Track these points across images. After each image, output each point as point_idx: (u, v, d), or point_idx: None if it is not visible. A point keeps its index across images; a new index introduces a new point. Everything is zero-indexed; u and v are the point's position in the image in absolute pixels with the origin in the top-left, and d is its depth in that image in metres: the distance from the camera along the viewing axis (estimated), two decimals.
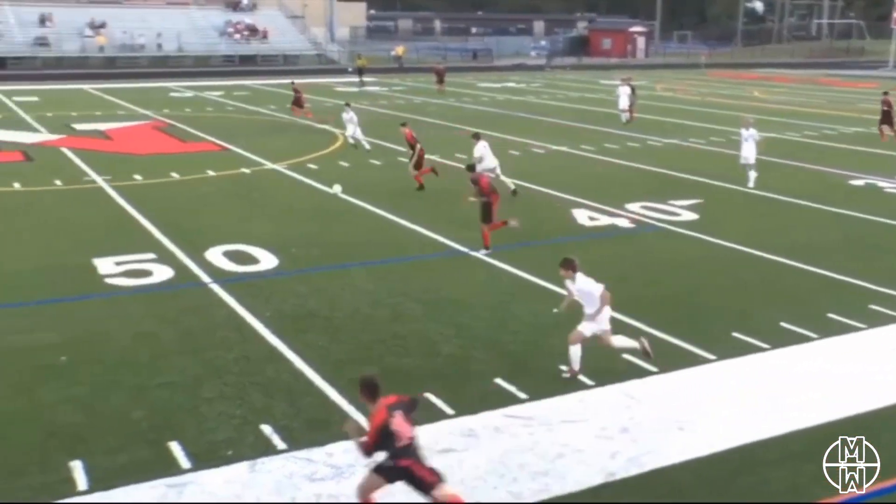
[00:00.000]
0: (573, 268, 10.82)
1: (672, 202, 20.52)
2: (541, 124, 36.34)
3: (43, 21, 68.00)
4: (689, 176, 24.18)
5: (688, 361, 11.23)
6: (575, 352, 10.63)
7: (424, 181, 22.08)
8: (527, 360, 11.30)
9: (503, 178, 21.18)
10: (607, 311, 10.71)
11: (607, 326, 10.73)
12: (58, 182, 22.85)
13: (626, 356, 11.19)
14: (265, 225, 18.25)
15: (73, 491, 8.12)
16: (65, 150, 28.46)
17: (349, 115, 27.99)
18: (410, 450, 7.31)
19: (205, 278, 14.61)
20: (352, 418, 7.45)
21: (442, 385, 10.40)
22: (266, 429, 9.30)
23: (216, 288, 14.10)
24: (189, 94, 49.86)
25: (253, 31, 74.43)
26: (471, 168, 16.94)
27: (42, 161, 26.41)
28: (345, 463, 8.56)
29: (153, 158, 27.01)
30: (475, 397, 10.09)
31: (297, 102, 37.92)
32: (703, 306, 13.52)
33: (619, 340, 10.85)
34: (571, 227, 18.45)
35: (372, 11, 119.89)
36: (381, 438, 7.18)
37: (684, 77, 67.50)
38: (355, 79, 57.81)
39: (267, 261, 15.64)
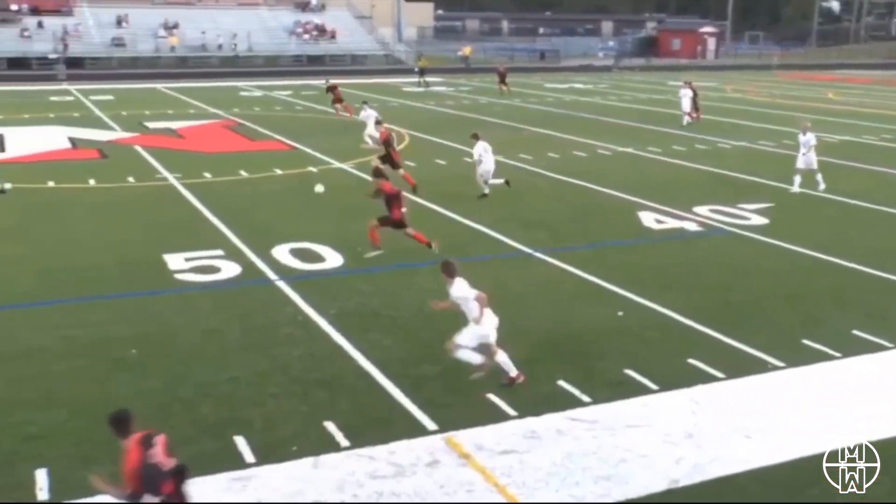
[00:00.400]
0: (450, 272, 10.57)
1: (741, 206, 20.16)
2: (607, 125, 36.03)
3: (119, 22, 69.66)
4: (759, 179, 23.73)
5: (756, 368, 11.02)
6: (462, 354, 10.35)
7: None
8: (591, 362, 11.22)
9: (493, 181, 21.08)
10: (490, 319, 10.31)
11: (492, 337, 10.31)
12: (131, 179, 23.38)
13: (693, 360, 11.05)
14: (331, 223, 18.41)
15: None
16: (138, 147, 29.13)
17: (367, 113, 27.83)
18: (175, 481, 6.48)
19: (271, 275, 14.81)
20: (95, 475, 6.85)
21: (504, 386, 10.38)
22: (329, 426, 9.38)
23: (282, 285, 14.28)
24: (258, 93, 50.59)
25: (321, 31, 75.17)
26: (377, 172, 16.58)
27: (116, 158, 27.04)
28: (407, 462, 8.60)
29: (222, 156, 27.47)
30: (538, 399, 10.05)
31: (336, 100, 38.21)
32: (772, 312, 13.25)
33: (501, 357, 10.38)
34: (637, 230, 18.25)
35: (439, 12, 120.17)
36: (145, 477, 6.38)
37: (755, 79, 66.30)
38: (429, 79, 58.04)
39: (332, 259, 15.79)
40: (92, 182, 22.92)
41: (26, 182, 22.67)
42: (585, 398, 10.08)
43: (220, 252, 16.08)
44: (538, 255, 16.18)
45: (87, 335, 12.04)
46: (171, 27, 70.00)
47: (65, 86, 53.71)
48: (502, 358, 10.37)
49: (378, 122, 22.37)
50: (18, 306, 13.34)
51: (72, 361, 11.15)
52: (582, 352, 11.59)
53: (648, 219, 19.03)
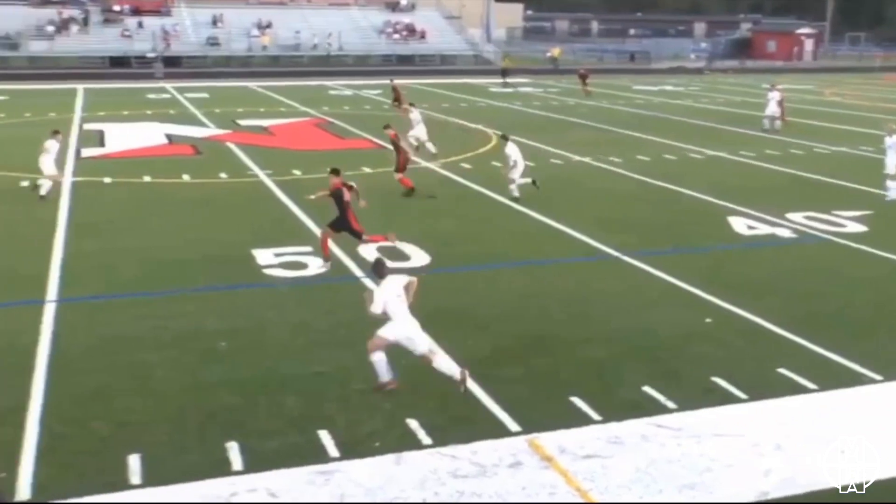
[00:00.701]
0: (380, 272, 10.50)
1: (837, 212, 19.57)
2: (698, 129, 35.37)
3: (215, 22, 71.41)
4: (858, 185, 22.99)
5: (850, 380, 10.67)
6: (377, 360, 10.13)
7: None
8: (677, 368, 11.03)
9: (520, 180, 20.75)
10: (403, 321, 10.11)
11: (417, 341, 10.10)
12: (223, 175, 23.93)
13: (783, 370, 10.78)
14: (418, 223, 18.52)
15: (228, 470, 8.47)
16: (230, 144, 29.80)
17: (415, 115, 27.81)
18: None
19: (357, 272, 14.97)
20: None
21: (588, 389, 10.29)
22: (412, 423, 9.43)
23: (368, 283, 14.40)
24: (348, 92, 51.23)
25: (411, 31, 75.71)
26: (335, 171, 16.07)
27: (209, 154, 27.72)
28: (489, 462, 8.60)
29: (312, 154, 27.90)
30: (622, 404, 9.93)
31: (397, 99, 38.52)
32: (868, 323, 12.82)
33: (441, 361, 10.19)
34: (728, 235, 17.88)
35: (529, 12, 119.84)
36: None
37: (855, 81, 64.27)
38: (511, 80, 57.96)
39: (418, 258, 15.88)
40: (186, 177, 23.52)
41: (124, 176, 23.42)
42: (671, 405, 9.91)
43: (308, 248, 16.33)
44: (625, 258, 15.99)
45: (179, 326, 12.36)
46: (264, 27, 71.44)
47: (162, 84, 55.28)
48: (444, 360, 10.23)
49: (386, 127, 22.61)
50: (117, 296, 13.78)
51: (164, 351, 11.46)
52: (668, 358, 11.40)
53: (740, 224, 18.62)
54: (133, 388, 10.31)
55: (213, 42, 68.95)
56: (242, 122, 36.03)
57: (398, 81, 43.01)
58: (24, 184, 21.57)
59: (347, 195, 15.10)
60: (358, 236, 15.31)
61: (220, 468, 8.50)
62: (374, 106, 43.64)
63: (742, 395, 10.17)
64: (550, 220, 18.78)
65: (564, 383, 10.48)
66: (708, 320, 12.73)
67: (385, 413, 9.70)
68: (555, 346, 11.81)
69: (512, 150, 20.76)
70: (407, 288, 10.38)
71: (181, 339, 11.92)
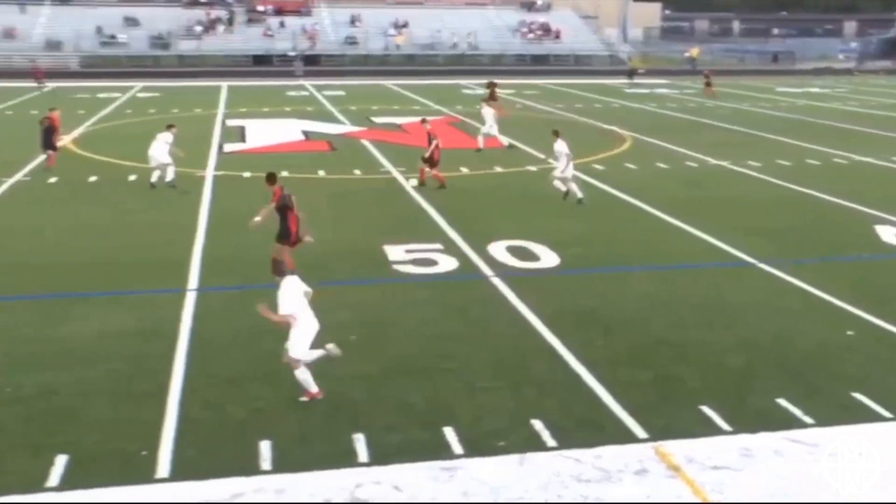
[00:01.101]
0: (279, 271, 10.00)
1: None
2: (845, 133, 33.86)
3: (353, 21, 73.01)
4: None
5: None
6: (300, 375, 9.84)
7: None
8: (815, 381, 10.57)
9: (572, 186, 20.11)
10: (312, 324, 9.87)
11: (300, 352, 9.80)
12: (357, 171, 24.41)
13: None
14: (548, 223, 18.41)
15: (354, 462, 8.63)
16: (364, 141, 30.38)
17: (487, 111, 27.86)
18: None
19: (487, 271, 15.00)
20: None
21: (720, 398, 10.00)
22: (537, 424, 9.37)
23: (497, 282, 14.43)
24: (481, 91, 51.34)
25: (546, 30, 75.38)
26: (270, 178, 14.80)
27: (344, 151, 28.33)
28: (614, 468, 8.46)
29: (445, 152, 28.03)
30: (755, 415, 9.59)
31: (492, 97, 38.19)
32: None
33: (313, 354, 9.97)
34: (874, 245, 17.04)
35: (667, 12, 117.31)
36: None
37: None
38: (638, 80, 57.07)
39: (548, 258, 15.78)
40: (322, 173, 24.10)
41: (262, 171, 23.99)
42: (807, 419, 9.51)
43: (438, 246, 16.47)
44: (762, 265, 15.45)
45: None
46: (400, 26, 72.54)
47: (301, 81, 56.85)
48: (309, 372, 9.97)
49: (424, 121, 22.69)
50: (254, 286, 14.19)
51: None
52: (805, 370, 10.95)
53: (888, 233, 17.71)
54: (265, 376, 10.63)
55: (351, 41, 70.50)
56: (377, 120, 36.67)
57: (496, 81, 43.09)
58: (162, 178, 22.53)
59: (290, 200, 14.28)
60: (291, 243, 14.21)
61: (347, 459, 8.66)
62: (506, 106, 43.56)
63: (886, 413, 9.66)
64: (684, 224, 18.33)
65: (694, 391, 10.21)
66: (850, 333, 12.16)
67: (510, 412, 9.68)
68: (686, 352, 11.52)
69: (561, 146, 20.29)
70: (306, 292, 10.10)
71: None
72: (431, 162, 21.79)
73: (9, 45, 63.47)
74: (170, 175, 21.51)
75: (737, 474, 8.38)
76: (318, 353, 10.03)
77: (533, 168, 25.14)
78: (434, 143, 21.79)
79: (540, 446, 8.93)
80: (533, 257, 15.83)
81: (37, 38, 65.34)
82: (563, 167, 20.09)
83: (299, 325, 9.81)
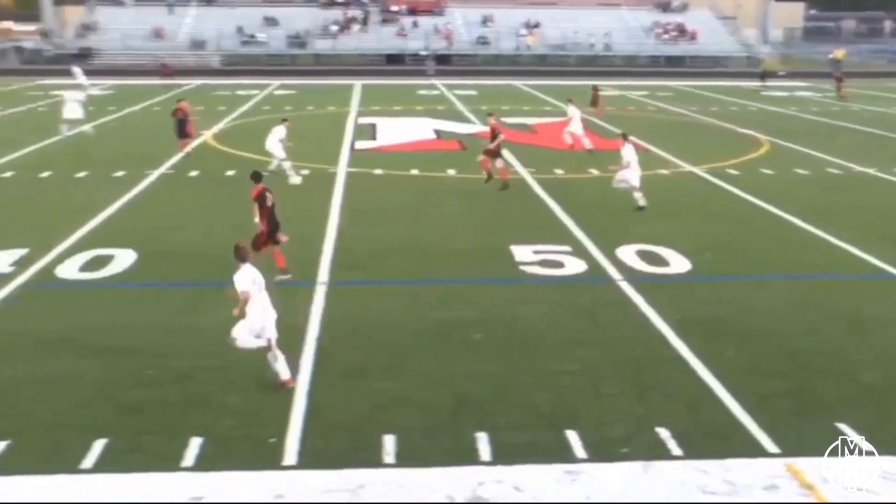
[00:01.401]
0: (241, 257, 10.27)
1: None
2: None
3: (485, 21, 73.27)
4: None
5: None
6: (272, 359, 10.20)
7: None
8: None
9: (637, 194, 19.31)
10: (266, 312, 10.12)
11: (269, 331, 10.14)
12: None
13: None
14: (679, 228, 18.01)
15: (476, 459, 8.65)
16: None
17: (573, 111, 27.95)
18: None
19: (615, 275, 14.78)
20: None
21: (858, 416, 9.56)
22: (662, 432, 9.17)
23: (625, 286, 14.19)
24: (614, 92, 50.72)
25: (682, 31, 73.75)
26: (256, 176, 14.75)
27: (475, 151, 28.28)
28: (742, 482, 8.19)
29: (574, 153, 27.85)
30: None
31: (595, 101, 37.40)
32: None
33: (277, 359, 10.27)
34: None
35: (812, 11, 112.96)
36: None
37: None
38: (772, 83, 55.18)
39: (678, 264, 15.42)
40: (451, 172, 24.26)
41: (393, 169, 24.54)
42: None
43: (566, 248, 16.33)
44: None
45: (436, 315, 12.77)
46: (532, 26, 72.35)
47: (432, 81, 57.41)
48: (278, 360, 10.25)
49: (490, 114, 22.44)
50: (381, 282, 14.46)
51: (420, 338, 11.90)
52: None
53: None
54: (390, 371, 10.77)
55: (482, 41, 70.76)
56: (507, 120, 36.62)
57: (599, 83, 42.46)
58: (305, 172, 23.16)
59: (270, 200, 14.34)
60: (272, 243, 14.35)
61: (469, 457, 8.69)
62: (638, 107, 42.92)
63: None
64: (823, 232, 17.60)
65: (832, 407, 9.79)
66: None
67: (635, 418, 9.51)
68: (823, 365, 11.05)
69: (628, 152, 19.57)
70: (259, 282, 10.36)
71: (438, 327, 12.30)
72: (494, 154, 21.67)
73: (157, 45, 66.57)
74: (274, 164, 22.56)
75: (877, 499, 7.97)
76: (259, 342, 10.22)
77: (665, 171, 24.63)
78: (499, 137, 21.68)
79: (665, 455, 8.74)
80: (662, 262, 15.51)
81: (182, 38, 68.30)
82: (631, 173, 19.47)
83: (249, 311, 10.13)
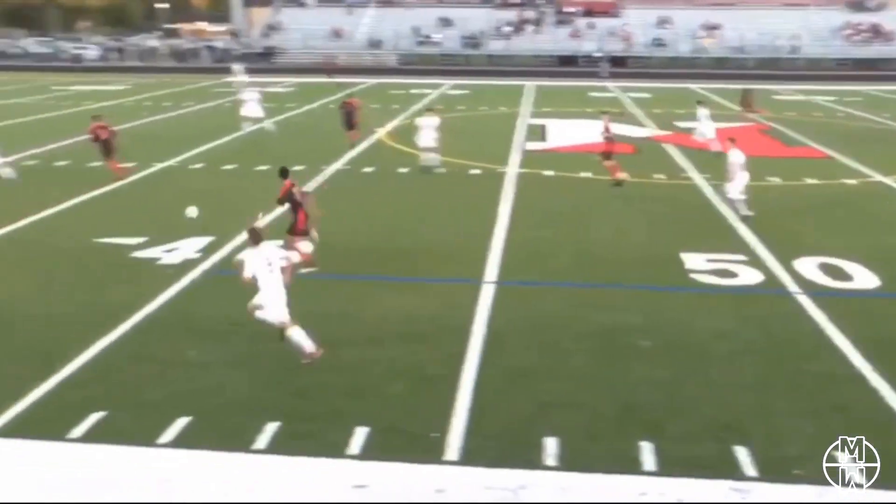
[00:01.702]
0: (254, 239, 10.71)
1: None
2: None
3: (661, 23, 71.68)
4: None
5: None
6: (295, 335, 10.63)
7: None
8: None
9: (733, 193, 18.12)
10: (275, 291, 10.56)
11: (276, 311, 10.58)
12: (658, 175, 23.92)
13: None
14: (865, 241, 16.99)
15: (639, 469, 8.47)
16: (668, 146, 29.69)
17: (702, 113, 27.76)
18: None
19: (792, 288, 14.11)
20: None
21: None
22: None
23: (803, 299, 13.53)
24: (797, 97, 48.59)
25: (876, 32, 69.57)
26: (284, 172, 14.62)
27: (647, 155, 27.85)
28: None
29: (752, 161, 26.74)
30: None
31: (747, 105, 35.46)
32: None
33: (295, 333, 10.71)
34: None
35: None
36: None
37: None
38: None
39: (864, 279, 14.55)
40: (622, 176, 23.82)
41: (563, 171, 24.41)
42: None
43: (741, 257, 15.74)
44: None
45: (603, 319, 12.58)
46: (711, 27, 70.19)
47: (605, 83, 56.69)
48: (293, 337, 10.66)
49: (604, 112, 21.62)
50: (549, 283, 14.39)
51: (586, 341, 11.75)
52: None
53: None
54: (555, 372, 10.70)
55: (658, 43, 69.30)
56: (681, 124, 35.71)
57: (751, 86, 40.55)
58: (475, 171, 23.36)
59: (298, 194, 14.66)
60: (300, 233, 14.54)
61: (632, 465, 8.51)
62: (825, 113, 40.90)
63: None
64: None
65: None
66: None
67: (809, 439, 9.05)
68: None
69: (736, 156, 18.27)
70: (285, 258, 10.95)
71: (604, 331, 12.12)
72: (607, 155, 21.95)
73: (336, 44, 68.92)
74: (425, 157, 23.35)
75: None
76: (281, 319, 10.68)
77: (852, 181, 23.34)
78: (610, 137, 21.71)
79: (842, 480, 8.25)
80: (846, 276, 14.69)
81: (360, 38, 70.41)
82: (740, 181, 18.32)
83: (262, 291, 10.63)
